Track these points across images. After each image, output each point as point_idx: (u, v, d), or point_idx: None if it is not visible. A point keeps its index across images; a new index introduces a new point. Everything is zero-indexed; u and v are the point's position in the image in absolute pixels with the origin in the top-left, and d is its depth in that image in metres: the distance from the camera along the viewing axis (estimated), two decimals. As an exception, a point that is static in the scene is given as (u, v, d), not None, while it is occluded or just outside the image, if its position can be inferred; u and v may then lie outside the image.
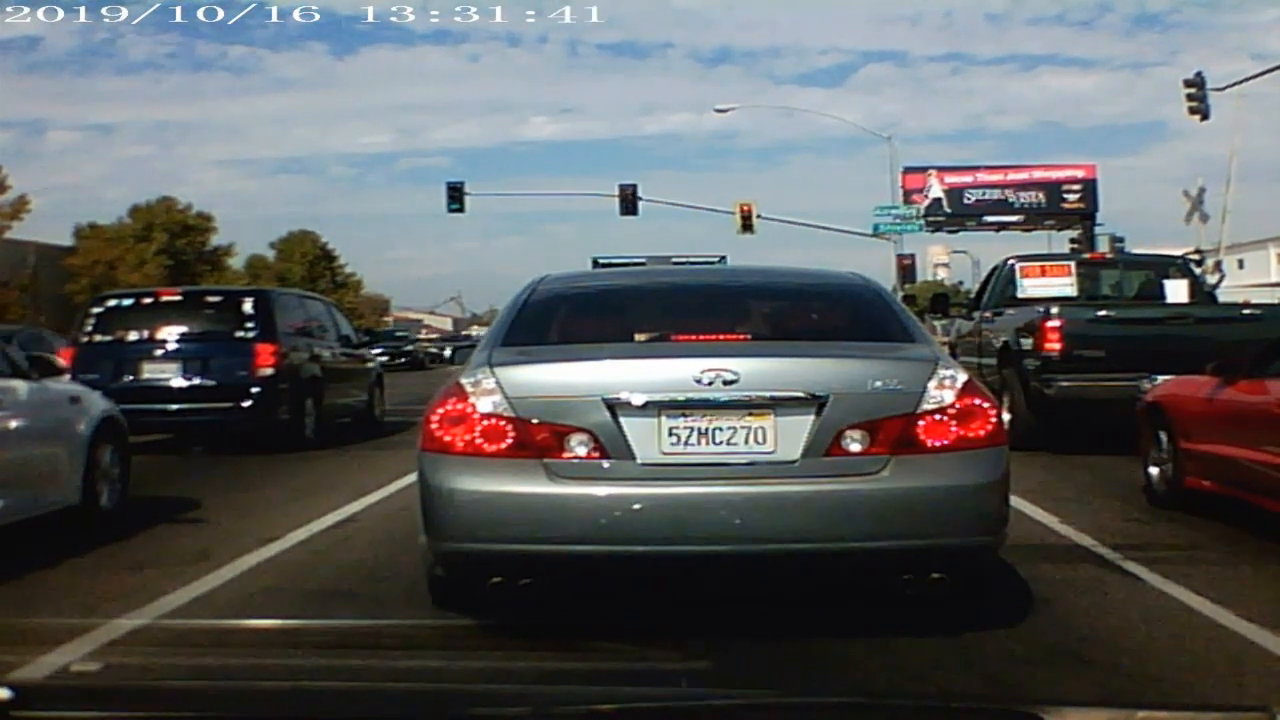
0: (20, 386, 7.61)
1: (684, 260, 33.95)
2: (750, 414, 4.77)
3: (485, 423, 4.81)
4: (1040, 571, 6.14)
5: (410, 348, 47.50)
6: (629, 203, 38.86)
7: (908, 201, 43.05)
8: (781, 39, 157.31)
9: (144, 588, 6.04)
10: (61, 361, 9.47)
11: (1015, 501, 6.10)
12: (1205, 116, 32.78)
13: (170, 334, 13.29)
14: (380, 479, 9.83)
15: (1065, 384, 11.50)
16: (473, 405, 4.84)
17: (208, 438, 13.62)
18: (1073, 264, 14.73)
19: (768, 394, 4.78)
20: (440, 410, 4.90)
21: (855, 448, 4.76)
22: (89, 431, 8.06)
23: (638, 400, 4.76)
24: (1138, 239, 49.80)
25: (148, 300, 14.25)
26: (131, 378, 12.87)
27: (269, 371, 13.00)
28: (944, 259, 77.69)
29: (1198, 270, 17.62)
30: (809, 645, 4.85)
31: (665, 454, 4.76)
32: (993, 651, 4.77)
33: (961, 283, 67.37)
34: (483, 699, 2.28)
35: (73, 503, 7.75)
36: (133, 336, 13.29)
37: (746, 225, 39.40)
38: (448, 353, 49.87)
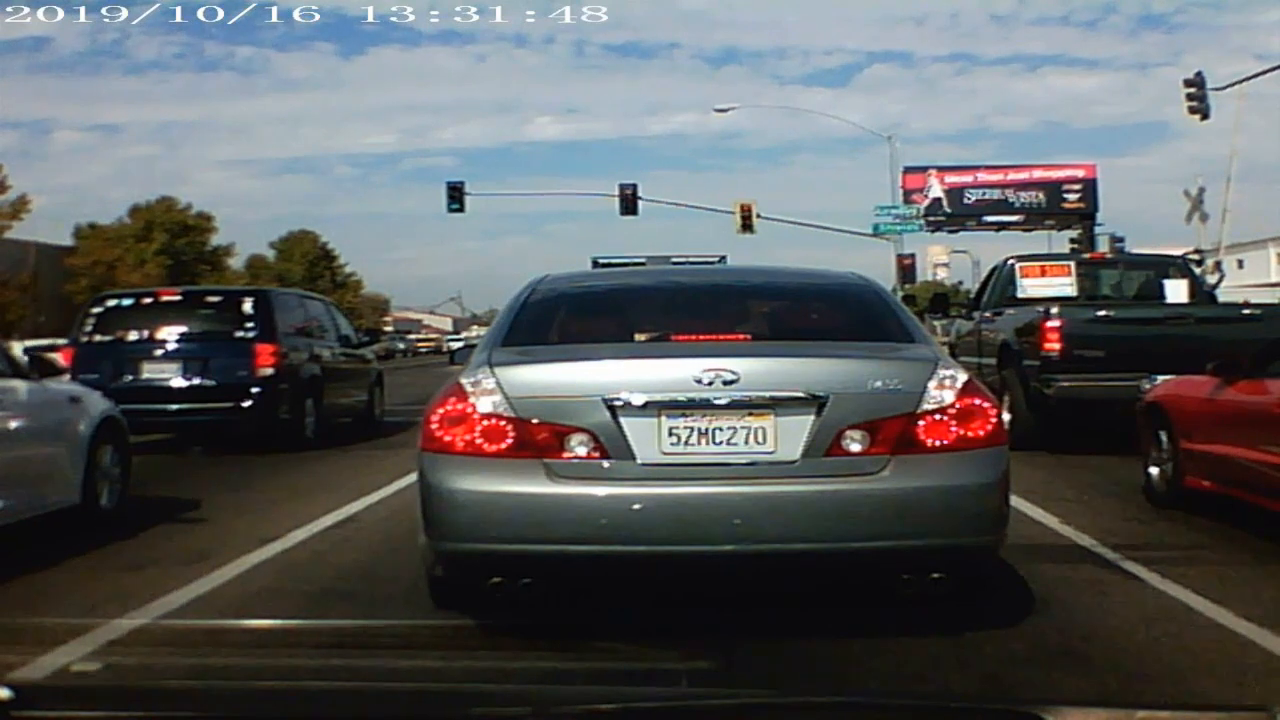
0: (20, 386, 7.61)
1: (684, 260, 33.98)
2: (750, 414, 4.77)
3: (485, 423, 4.81)
4: (1040, 571, 6.13)
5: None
6: (629, 203, 38.86)
7: (908, 201, 43.04)
8: (787, 39, 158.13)
9: (144, 588, 6.04)
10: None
11: (1015, 501, 6.10)
12: (1205, 116, 32.79)
13: (170, 334, 13.29)
14: (380, 479, 9.83)
15: (1065, 384, 11.50)
16: (473, 405, 4.84)
17: (208, 438, 13.63)
18: (1073, 264, 14.71)
19: (768, 394, 4.78)
20: (440, 410, 4.90)
21: (855, 448, 4.76)
22: (89, 431, 8.06)
23: (638, 400, 4.76)
24: (1138, 239, 49.90)
25: (147, 300, 14.24)
26: (131, 378, 12.87)
27: (269, 371, 13.00)
28: (944, 259, 77.63)
29: (1198, 270, 17.62)
30: (809, 645, 4.85)
31: (665, 454, 4.76)
32: (993, 651, 4.77)
33: (961, 283, 67.43)
34: (483, 699, 2.28)
35: (73, 503, 7.74)
36: (133, 336, 13.28)
37: (746, 225, 39.40)
38: None
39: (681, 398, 4.77)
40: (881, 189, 62.57)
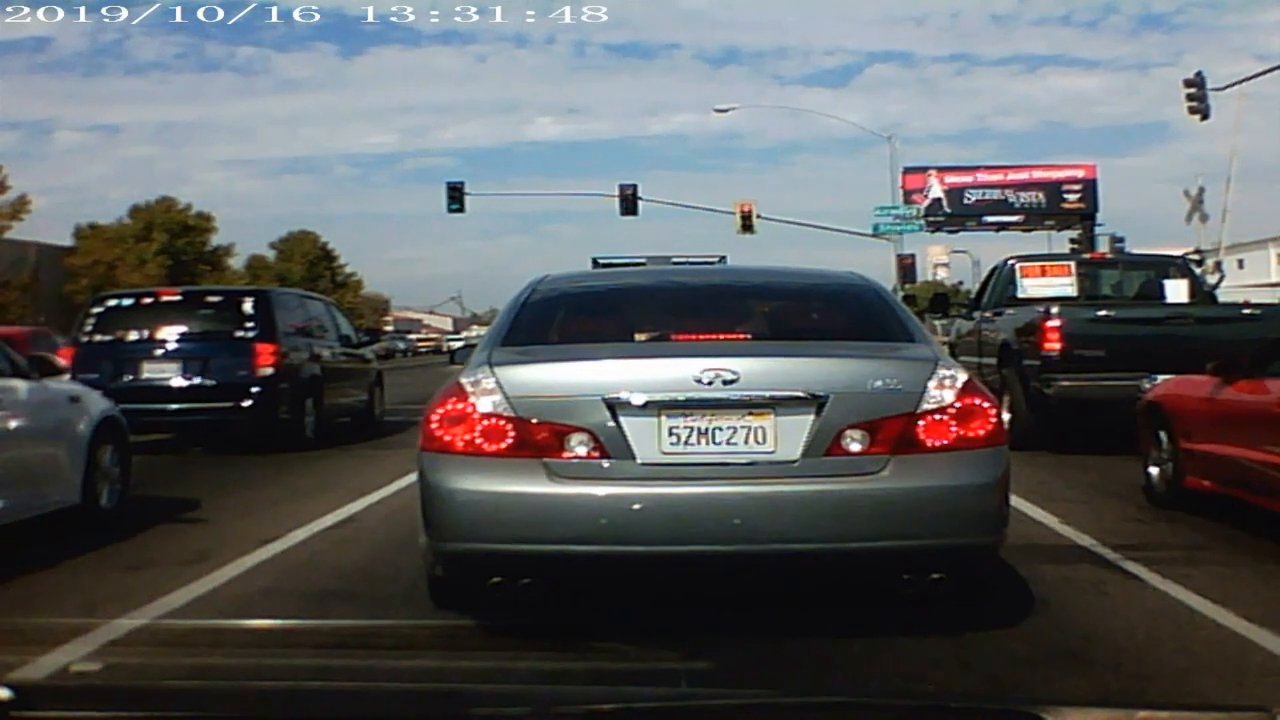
0: (20, 386, 7.61)
1: (684, 260, 33.92)
2: (750, 414, 4.77)
3: (485, 422, 4.80)
4: (1040, 571, 6.13)
5: None
6: (629, 203, 38.86)
7: (908, 202, 43.04)
8: (788, 40, 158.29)
9: (144, 588, 6.03)
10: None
11: (1015, 501, 6.10)
12: (1205, 116, 32.79)
13: (170, 334, 13.29)
14: (380, 479, 9.82)
15: (1065, 384, 11.50)
16: (473, 405, 4.84)
17: (208, 438, 13.63)
18: (1073, 264, 14.71)
19: (768, 394, 4.78)
20: (440, 410, 4.90)
21: (855, 447, 4.76)
22: (89, 431, 8.05)
23: (638, 400, 4.76)
24: (1138, 239, 49.90)
25: (148, 300, 14.24)
26: (131, 377, 12.87)
27: (269, 371, 13.00)
28: (944, 259, 77.64)
29: (1198, 270, 17.62)
30: (809, 645, 4.84)
31: (665, 454, 4.76)
32: (992, 651, 4.77)
33: (961, 283, 67.42)
34: (483, 699, 2.28)
35: (73, 502, 7.74)
36: (133, 336, 13.29)
37: (746, 225, 39.40)
38: None
39: (681, 397, 4.77)
40: (881, 189, 62.51)
